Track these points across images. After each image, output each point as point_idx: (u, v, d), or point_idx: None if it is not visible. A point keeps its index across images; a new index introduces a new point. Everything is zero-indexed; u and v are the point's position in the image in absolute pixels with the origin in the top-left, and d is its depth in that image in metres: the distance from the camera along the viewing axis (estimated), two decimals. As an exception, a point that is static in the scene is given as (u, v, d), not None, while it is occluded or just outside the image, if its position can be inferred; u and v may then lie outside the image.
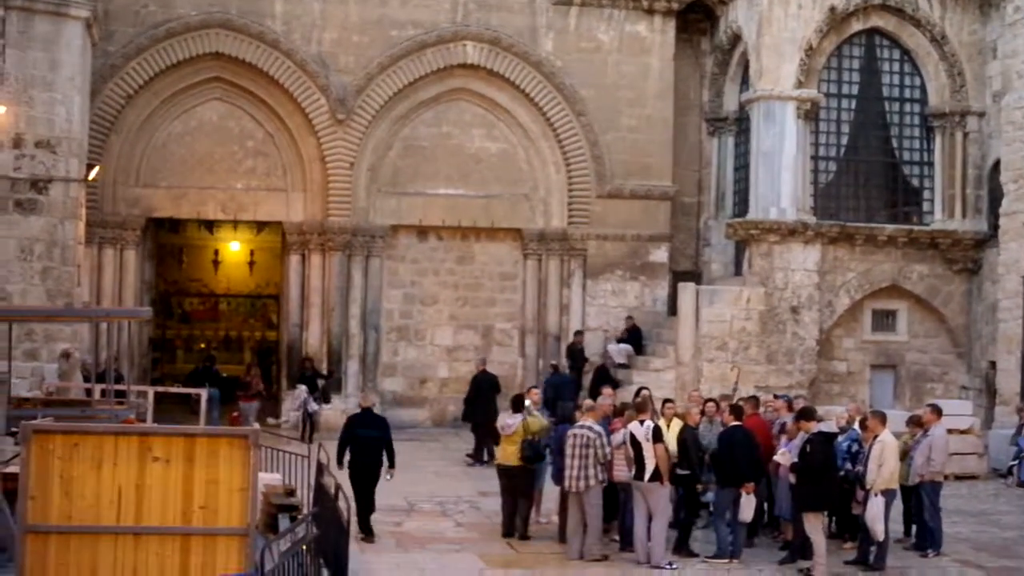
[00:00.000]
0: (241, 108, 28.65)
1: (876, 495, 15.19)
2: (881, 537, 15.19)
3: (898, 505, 16.32)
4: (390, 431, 17.00)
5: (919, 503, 16.58)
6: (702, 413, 17.44)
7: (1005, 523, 18.75)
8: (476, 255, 29.65)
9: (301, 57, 28.15)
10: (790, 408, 17.50)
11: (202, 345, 37.44)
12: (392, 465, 16.72)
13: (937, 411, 17.14)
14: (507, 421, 16.92)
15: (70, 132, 23.18)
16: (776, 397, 19.59)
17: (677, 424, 16.22)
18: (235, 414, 25.75)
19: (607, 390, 19.23)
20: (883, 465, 15.26)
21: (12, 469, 11.67)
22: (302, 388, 25.96)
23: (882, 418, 15.84)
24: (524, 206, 29.57)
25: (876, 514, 15.09)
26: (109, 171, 27.42)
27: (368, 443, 16.57)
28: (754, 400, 18.04)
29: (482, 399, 24.81)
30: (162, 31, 27.62)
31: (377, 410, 18.39)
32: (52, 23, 22.98)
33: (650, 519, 15.26)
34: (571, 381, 26.39)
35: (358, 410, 17.62)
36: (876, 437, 15.45)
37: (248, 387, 26.87)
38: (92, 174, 25.04)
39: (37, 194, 22.61)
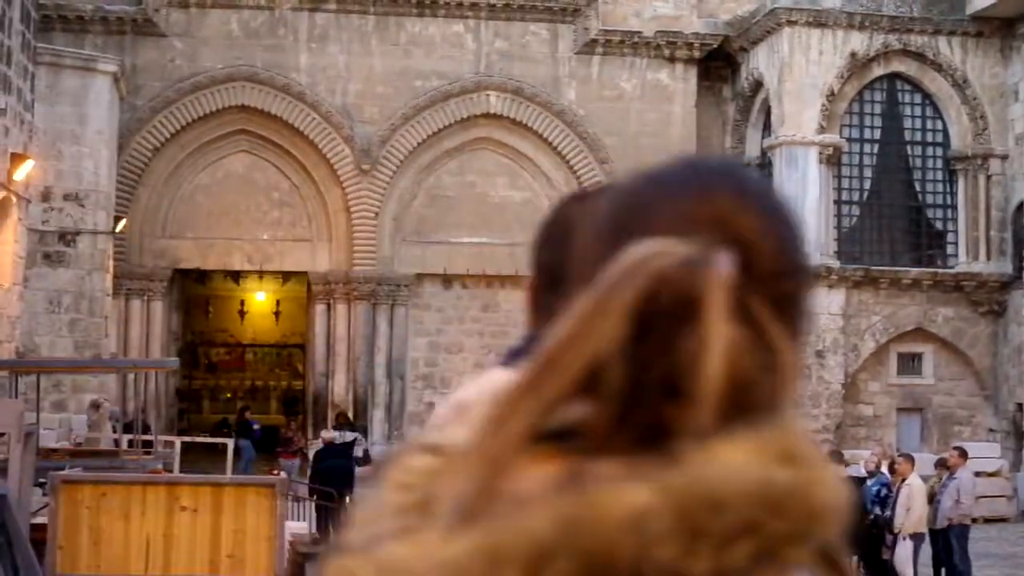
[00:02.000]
0: (267, 160, 28.91)
1: (904, 539, 15.13)
2: (909, 582, 15.12)
3: (927, 549, 16.22)
4: (352, 460, 20.39)
5: (948, 547, 16.47)
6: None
7: (1035, 567, 18.61)
8: (501, 303, 29.72)
9: (326, 109, 28.40)
10: (818, 453, 17.47)
11: (228, 395, 37.56)
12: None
13: (963, 454, 17.06)
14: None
15: (98, 185, 23.45)
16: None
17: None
18: (277, 471, 25.40)
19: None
20: (911, 509, 15.20)
21: (40, 519, 11.75)
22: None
23: (912, 462, 15.81)
24: (548, 253, 29.62)
25: (905, 558, 15.03)
26: (136, 223, 27.67)
27: (335, 471, 19.32)
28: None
29: None
30: (188, 84, 27.94)
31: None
32: (80, 78, 23.31)
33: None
34: None
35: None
36: (904, 481, 15.41)
37: (290, 443, 26.22)
38: (119, 226, 25.28)
39: (65, 246, 22.84)
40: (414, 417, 28.84)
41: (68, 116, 23.02)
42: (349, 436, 24.37)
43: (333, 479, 19.09)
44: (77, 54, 24.45)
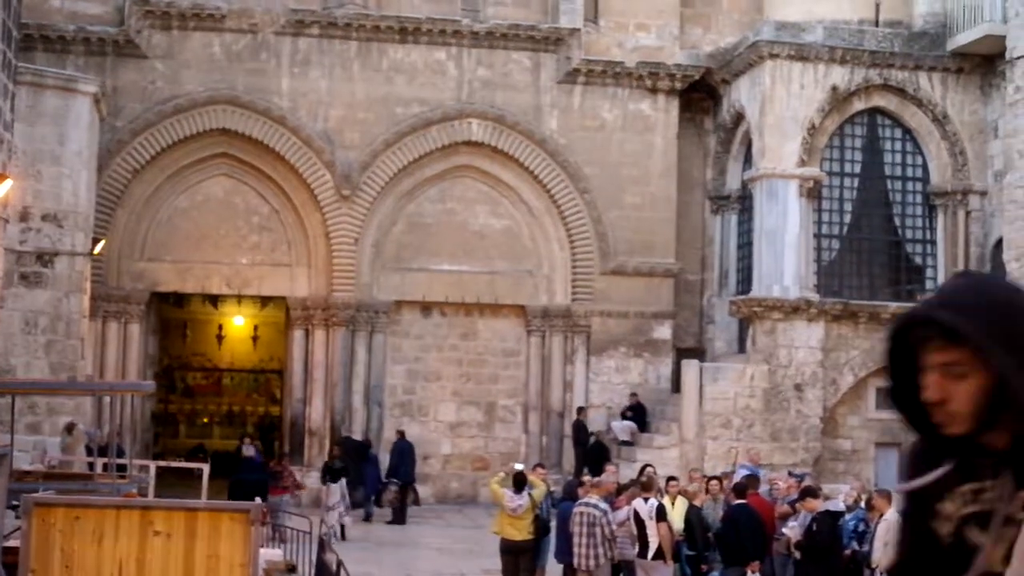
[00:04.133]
0: (247, 184, 28.83)
1: (882, 574, 15.07)
2: (887, 617, 15.05)
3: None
4: (267, 475, 22.66)
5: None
6: (706, 491, 17.38)
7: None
8: (480, 331, 29.66)
9: (307, 134, 28.36)
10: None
11: (204, 420, 37.34)
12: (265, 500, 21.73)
13: (888, 496, 16.27)
14: (517, 502, 16.66)
15: (76, 206, 23.32)
16: (791, 475, 19.53)
17: (681, 502, 16.15)
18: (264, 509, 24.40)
19: (610, 467, 19.18)
20: (888, 544, 15.13)
21: (13, 542, 11.60)
22: (339, 487, 23.45)
23: (888, 497, 15.74)
24: (528, 283, 29.63)
25: (882, 593, 14.97)
26: (114, 245, 27.54)
27: (250, 485, 21.05)
28: (755, 479, 17.95)
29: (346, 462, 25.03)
30: (169, 107, 27.87)
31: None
32: (61, 98, 23.21)
33: (654, 597, 15.13)
34: (413, 448, 27.26)
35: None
36: (882, 516, 15.36)
37: (279, 477, 24.99)
38: (98, 248, 25.14)
39: (43, 267, 22.70)
40: (391, 444, 28.47)
41: (48, 136, 22.92)
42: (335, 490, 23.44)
43: (246, 492, 20.19)
44: (58, 74, 24.37)
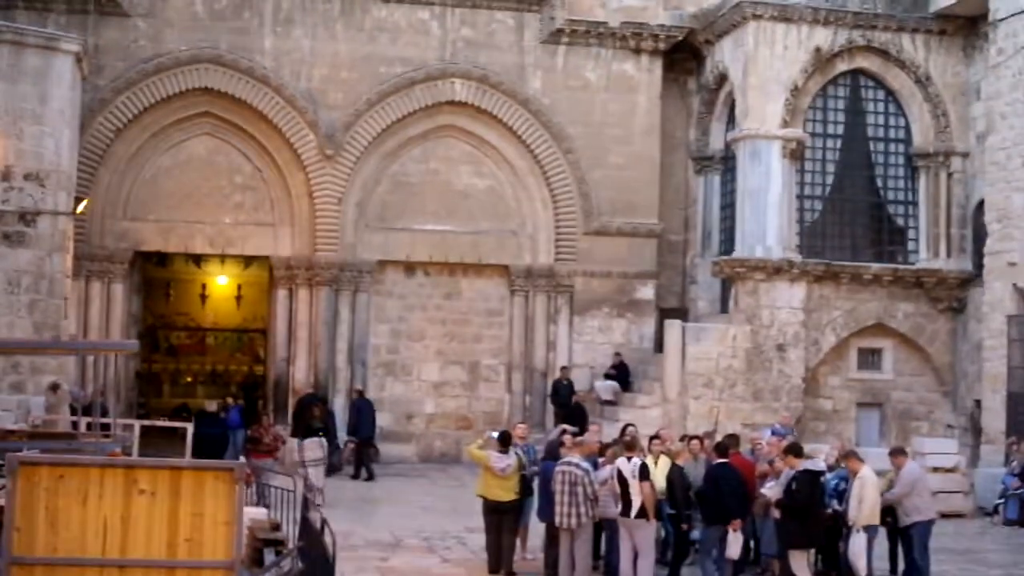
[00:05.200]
0: (230, 143, 28.75)
1: (858, 531, 15.21)
2: (863, 574, 15.19)
3: (882, 543, 16.31)
4: (228, 430, 23.99)
5: (909, 542, 16.50)
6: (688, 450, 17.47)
7: (991, 561, 18.76)
8: (463, 291, 29.71)
9: (290, 93, 28.28)
10: (786, 444, 17.47)
11: (188, 379, 37.35)
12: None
13: (859, 457, 16.31)
14: (506, 462, 16.59)
15: (59, 165, 23.25)
16: (773, 433, 19.61)
17: (664, 461, 16.24)
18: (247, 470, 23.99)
19: (593, 426, 19.24)
20: (863, 501, 15.26)
21: (-3, 501, 11.64)
22: (317, 443, 22.63)
23: (857, 457, 15.86)
24: (511, 242, 29.66)
25: (858, 551, 15.10)
26: (97, 204, 27.46)
27: (212, 439, 22.50)
28: (735, 438, 18.03)
29: (304, 416, 25.15)
30: (152, 66, 27.74)
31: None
32: (42, 57, 23.10)
33: (636, 557, 15.24)
34: (372, 406, 27.53)
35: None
36: (857, 475, 15.48)
37: (258, 441, 24.53)
38: (80, 207, 25.08)
39: (25, 227, 22.65)
40: (375, 404, 28.59)
41: (30, 95, 22.82)
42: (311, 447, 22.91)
43: (207, 447, 21.15)
44: (39, 33, 24.23)
